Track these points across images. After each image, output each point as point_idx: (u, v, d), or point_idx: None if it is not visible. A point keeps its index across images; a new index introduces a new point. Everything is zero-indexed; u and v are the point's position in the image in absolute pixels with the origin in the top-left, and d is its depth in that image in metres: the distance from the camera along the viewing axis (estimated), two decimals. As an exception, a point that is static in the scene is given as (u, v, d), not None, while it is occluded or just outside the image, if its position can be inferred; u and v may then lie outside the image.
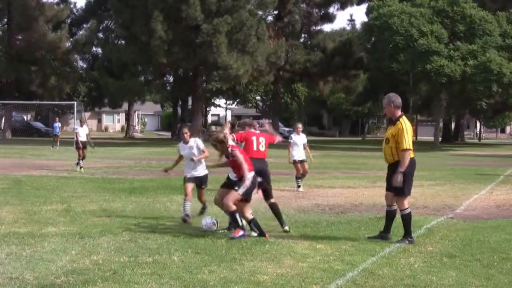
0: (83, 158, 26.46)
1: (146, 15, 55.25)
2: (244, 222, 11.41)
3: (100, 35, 75.26)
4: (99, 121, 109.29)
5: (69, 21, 73.64)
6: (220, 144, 11.44)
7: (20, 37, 68.46)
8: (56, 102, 65.65)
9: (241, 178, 11.39)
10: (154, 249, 10.09)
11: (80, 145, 26.55)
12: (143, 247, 10.24)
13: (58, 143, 47.17)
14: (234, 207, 11.26)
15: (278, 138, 13.07)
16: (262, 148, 12.37)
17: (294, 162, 19.87)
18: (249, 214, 11.41)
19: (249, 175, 11.31)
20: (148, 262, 9.23)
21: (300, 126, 20.41)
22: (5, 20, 69.58)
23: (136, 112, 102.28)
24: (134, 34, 58.85)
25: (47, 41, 65.68)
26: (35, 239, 10.79)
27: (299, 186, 19.79)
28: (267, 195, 12.19)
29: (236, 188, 11.34)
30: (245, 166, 11.29)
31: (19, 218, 13.18)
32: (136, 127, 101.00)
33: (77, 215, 13.56)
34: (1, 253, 9.70)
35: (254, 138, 12.38)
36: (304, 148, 20.07)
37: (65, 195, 17.32)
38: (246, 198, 11.40)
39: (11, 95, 65.25)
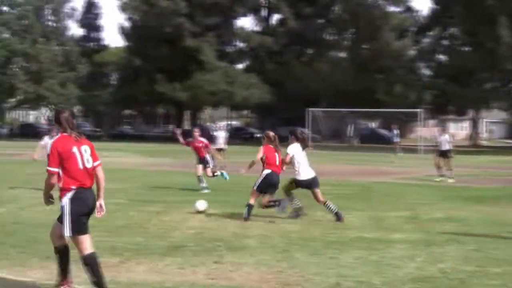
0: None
1: (491, 21, 53.94)
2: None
3: (444, 42, 74.90)
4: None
5: (413, 29, 74.30)
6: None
7: (366, 47, 70.48)
8: (400, 110, 66.31)
9: None
10: (502, 260, 9.81)
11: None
12: (491, 257, 10.00)
13: (400, 150, 46.61)
14: (252, 201, 13.41)
15: None
16: None
17: None
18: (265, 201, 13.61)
19: (264, 173, 13.48)
20: (497, 273, 9.00)
21: None
22: (352, 30, 72.14)
23: (482, 119, 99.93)
24: (479, 40, 57.81)
25: (391, 50, 66.95)
26: (382, 245, 11.03)
27: None
28: None
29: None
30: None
31: (367, 223, 13.57)
32: (483, 135, 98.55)
33: (423, 222, 13.60)
34: (350, 256, 10.06)
35: None
36: None
37: (411, 202, 17.45)
38: (260, 191, 13.50)
39: (358, 103, 67.29)
